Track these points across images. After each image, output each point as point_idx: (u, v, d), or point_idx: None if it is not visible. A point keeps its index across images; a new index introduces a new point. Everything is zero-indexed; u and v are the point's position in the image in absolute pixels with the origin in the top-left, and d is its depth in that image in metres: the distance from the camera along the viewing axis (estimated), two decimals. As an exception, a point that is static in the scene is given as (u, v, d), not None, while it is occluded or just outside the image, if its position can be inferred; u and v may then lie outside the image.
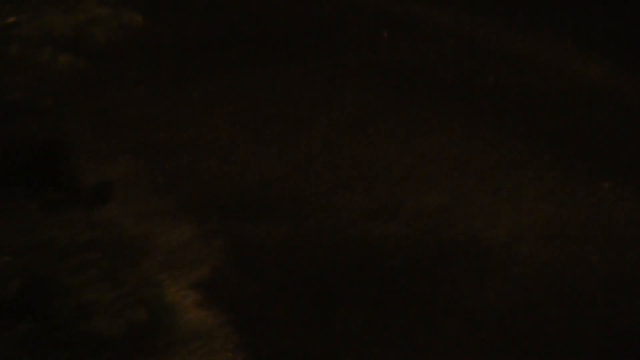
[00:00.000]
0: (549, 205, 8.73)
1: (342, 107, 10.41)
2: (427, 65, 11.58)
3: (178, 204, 8.28)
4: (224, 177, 8.86)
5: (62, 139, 7.67)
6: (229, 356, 6.64)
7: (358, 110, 10.37)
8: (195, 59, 10.78)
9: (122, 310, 6.86)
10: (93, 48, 6.82)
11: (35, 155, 7.32)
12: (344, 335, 7.01)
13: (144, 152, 9.10)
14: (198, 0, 12.41)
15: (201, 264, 7.70)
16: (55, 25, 6.69)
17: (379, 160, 9.49)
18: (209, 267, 7.72)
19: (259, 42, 11.52)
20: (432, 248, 8.07)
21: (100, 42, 6.94)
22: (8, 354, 6.26)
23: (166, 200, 8.31)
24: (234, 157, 9.29)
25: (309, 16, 12.76)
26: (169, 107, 9.92)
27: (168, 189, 8.55)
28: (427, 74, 11.34)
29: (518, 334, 7.10)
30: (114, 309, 6.81)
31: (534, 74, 11.57)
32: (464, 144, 9.71)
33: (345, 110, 10.37)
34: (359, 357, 6.78)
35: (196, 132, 9.60)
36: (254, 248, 8.12)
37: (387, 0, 13.43)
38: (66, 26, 6.68)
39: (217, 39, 11.43)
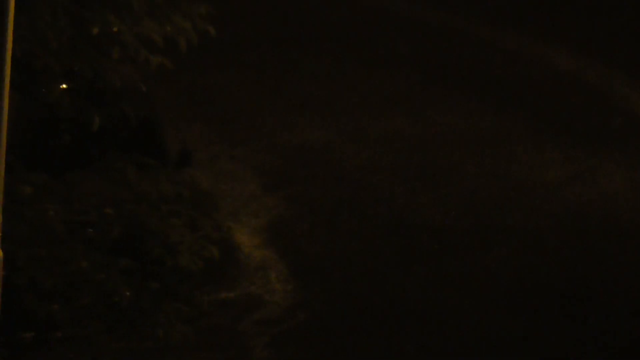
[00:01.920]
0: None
1: (371, 89, 10.63)
2: (443, 59, 11.64)
3: (244, 166, 8.69)
4: (278, 143, 9.21)
5: (152, 116, 7.93)
6: (281, 285, 7.09)
7: (386, 91, 10.57)
8: (254, 56, 10.96)
9: (199, 250, 7.29)
10: (177, 51, 7.20)
11: (133, 129, 7.68)
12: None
13: (215, 124, 9.40)
14: (256, 16, 12.35)
15: (262, 213, 8.13)
16: (150, 33, 7.00)
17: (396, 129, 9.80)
18: (268, 216, 8.14)
19: (301, 41, 11.59)
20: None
21: (183, 47, 7.32)
22: (113, 284, 6.76)
23: (234, 163, 8.70)
24: (285, 127, 9.55)
25: (344, 17, 12.69)
26: (234, 89, 10.15)
27: (235, 153, 8.90)
28: (444, 66, 11.38)
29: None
30: (193, 249, 7.18)
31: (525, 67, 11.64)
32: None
33: (373, 91, 10.57)
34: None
35: (255, 107, 9.83)
36: (303, 203, 8.62)
37: (407, 7, 13.22)
38: (158, 34, 6.98)
39: (269, 39, 11.56)
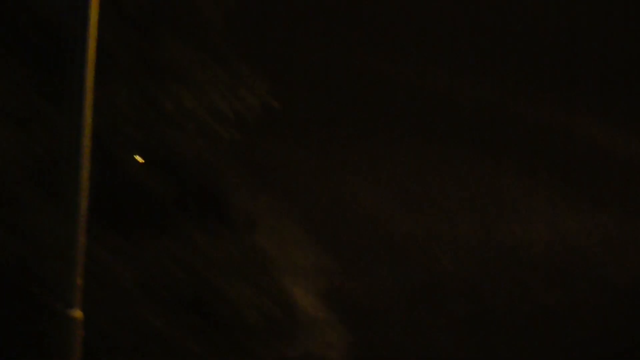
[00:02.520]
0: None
1: (426, 163, 10.82)
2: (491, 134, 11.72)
3: (305, 232, 8.92)
4: (338, 212, 9.54)
5: (221, 184, 8.32)
6: (338, 342, 7.40)
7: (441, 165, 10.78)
8: (315, 130, 11.16)
9: (263, 309, 7.61)
10: (244, 122, 7.63)
11: (203, 197, 8.10)
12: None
13: (279, 192, 9.60)
14: (315, 88, 12.25)
15: (321, 276, 8.37)
16: (219, 107, 7.46)
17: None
18: (327, 279, 8.39)
19: (358, 117, 11.77)
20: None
21: (249, 118, 7.78)
22: (184, 341, 7.03)
23: (296, 229, 8.92)
24: (345, 197, 9.86)
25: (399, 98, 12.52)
26: (298, 161, 10.41)
27: (297, 220, 9.09)
28: (491, 140, 11.50)
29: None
30: (257, 308, 7.49)
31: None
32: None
33: (428, 166, 10.79)
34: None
35: (320, 178, 10.09)
36: (360, 268, 8.79)
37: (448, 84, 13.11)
38: (227, 108, 7.41)
39: (329, 115, 11.71)
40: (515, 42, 13.52)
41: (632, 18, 13.50)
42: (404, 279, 8.60)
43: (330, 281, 8.19)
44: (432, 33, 13.58)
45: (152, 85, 7.20)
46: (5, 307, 6.92)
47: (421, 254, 8.93)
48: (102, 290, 6.81)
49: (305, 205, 9.21)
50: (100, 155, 6.60)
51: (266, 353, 7.25)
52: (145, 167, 7.29)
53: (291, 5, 12.00)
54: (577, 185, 10.61)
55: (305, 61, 12.04)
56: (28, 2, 7.21)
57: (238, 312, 7.24)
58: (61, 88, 6.32)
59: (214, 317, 7.36)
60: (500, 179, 10.54)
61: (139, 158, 7.29)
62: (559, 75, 13.15)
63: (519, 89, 12.79)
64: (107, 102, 6.78)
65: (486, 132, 11.88)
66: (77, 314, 5.77)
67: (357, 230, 9.35)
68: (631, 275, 9.10)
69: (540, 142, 11.75)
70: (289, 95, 8.35)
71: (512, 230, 9.52)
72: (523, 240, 9.57)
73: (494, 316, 8.25)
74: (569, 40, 13.51)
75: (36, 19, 7.19)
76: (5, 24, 7.28)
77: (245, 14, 8.87)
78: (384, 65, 12.79)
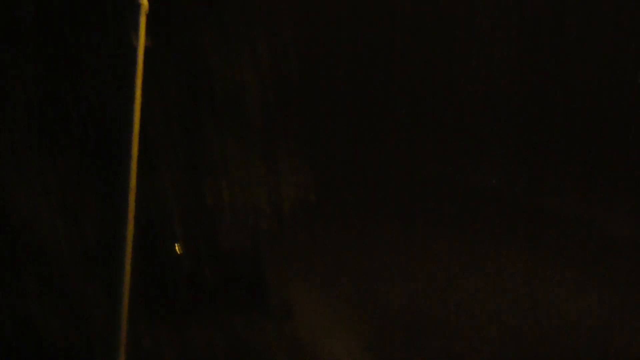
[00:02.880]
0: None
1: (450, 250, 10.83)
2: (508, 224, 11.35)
3: (341, 321, 8.87)
4: (374, 303, 9.40)
5: (259, 273, 8.31)
6: None
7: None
8: (349, 221, 10.98)
9: None
10: (282, 215, 7.76)
11: (242, 285, 8.15)
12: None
13: (316, 281, 9.58)
14: (348, 184, 11.98)
15: None
16: (258, 200, 7.58)
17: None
18: None
19: (390, 208, 11.47)
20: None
21: (286, 211, 7.91)
22: None
23: (332, 318, 8.83)
24: (378, 282, 9.76)
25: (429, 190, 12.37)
26: (333, 250, 10.31)
27: (333, 309, 9.06)
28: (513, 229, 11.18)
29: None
30: None
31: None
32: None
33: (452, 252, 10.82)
34: None
35: (352, 268, 10.02)
36: None
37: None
38: (266, 202, 7.54)
39: (360, 206, 11.41)
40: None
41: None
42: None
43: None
44: (455, 128, 13.02)
45: (195, 180, 7.36)
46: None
47: (447, 340, 8.87)
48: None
49: (338, 293, 9.16)
50: (144, 246, 6.82)
51: None
52: (187, 256, 7.39)
53: (324, 106, 11.76)
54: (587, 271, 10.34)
55: (339, 159, 11.86)
56: (78, 101, 7.16)
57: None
58: (109, 183, 6.57)
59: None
60: (516, 265, 10.39)
61: (178, 248, 7.39)
62: (575, 169, 12.62)
63: (536, 181, 12.50)
64: (152, 196, 6.95)
65: (503, 220, 11.48)
66: (122, 399, 5.94)
67: (387, 318, 9.30)
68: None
69: (553, 230, 11.51)
70: (323, 190, 8.49)
71: (528, 314, 9.38)
72: (536, 323, 9.43)
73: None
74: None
75: (87, 119, 7.16)
76: (59, 126, 7.22)
77: (284, 113, 8.79)
78: (409, 159, 12.31)
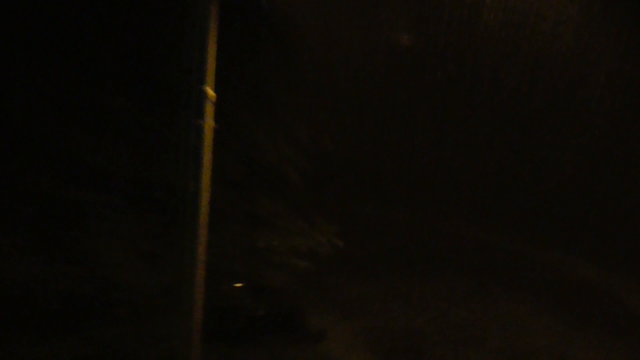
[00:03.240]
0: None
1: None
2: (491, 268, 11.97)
3: (365, 343, 9.06)
4: (395, 330, 9.54)
5: (298, 305, 8.77)
6: None
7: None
8: (370, 263, 11.42)
9: None
10: (316, 257, 8.18)
11: (285, 314, 8.42)
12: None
13: (344, 311, 9.79)
14: (370, 234, 12.42)
15: None
16: (298, 246, 8.12)
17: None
18: None
19: (406, 256, 11.88)
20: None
21: (322, 254, 8.25)
22: None
23: (358, 340, 9.13)
24: (397, 313, 10.00)
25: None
26: (359, 287, 10.72)
27: (359, 333, 9.34)
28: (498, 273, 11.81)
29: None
30: None
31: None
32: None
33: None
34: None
35: (375, 302, 10.27)
36: None
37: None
38: (303, 246, 8.08)
39: (381, 254, 11.74)
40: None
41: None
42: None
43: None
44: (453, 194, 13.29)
45: (249, 231, 7.81)
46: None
47: (438, 358, 9.03)
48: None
49: (364, 321, 9.66)
50: (210, 283, 7.09)
51: None
52: (243, 291, 7.61)
53: (350, 175, 12.11)
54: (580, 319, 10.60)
55: (361, 215, 12.07)
56: (161, 171, 7.37)
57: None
58: (181, 233, 6.95)
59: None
60: (513, 310, 10.79)
61: (238, 285, 7.71)
62: (562, 225, 12.95)
63: (530, 237, 12.93)
64: (216, 244, 7.20)
65: (488, 265, 12.07)
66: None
67: (396, 339, 9.57)
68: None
69: (546, 281, 11.91)
70: (350, 237, 9.06)
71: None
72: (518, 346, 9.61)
73: None
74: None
75: (167, 186, 7.40)
76: (147, 192, 7.47)
77: (318, 179, 8.68)
78: (416, 217, 12.68)
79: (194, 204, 6.74)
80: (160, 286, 7.37)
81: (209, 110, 6.63)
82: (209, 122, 6.57)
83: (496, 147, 12.06)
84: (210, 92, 6.59)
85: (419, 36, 9.70)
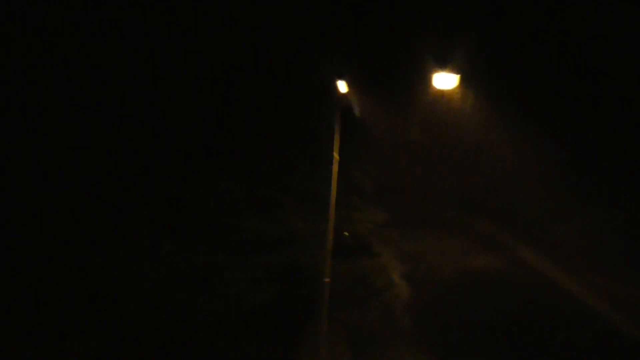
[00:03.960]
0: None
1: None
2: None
3: (400, 260, 13.71)
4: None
5: (368, 241, 13.94)
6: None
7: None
8: (401, 228, 15.27)
9: None
10: (377, 223, 12.93)
11: (360, 244, 13.17)
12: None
13: (389, 245, 14.16)
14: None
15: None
16: (368, 218, 13.07)
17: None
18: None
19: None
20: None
21: (379, 221, 13.28)
22: None
23: (395, 258, 13.97)
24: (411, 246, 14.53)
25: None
26: (396, 236, 14.81)
27: (396, 255, 14.00)
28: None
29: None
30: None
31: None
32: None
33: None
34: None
35: (404, 242, 14.31)
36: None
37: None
38: (371, 218, 12.97)
39: (406, 223, 15.74)
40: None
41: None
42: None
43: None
44: None
45: (349, 212, 13.00)
46: None
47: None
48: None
49: (396, 249, 14.03)
50: (335, 233, 12.03)
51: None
52: (347, 236, 12.77)
53: (397, 190, 16.13)
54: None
55: (401, 207, 15.74)
56: (312, 185, 12.48)
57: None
58: (323, 213, 11.41)
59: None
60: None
61: (345, 233, 12.85)
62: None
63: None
64: (337, 217, 12.38)
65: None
66: None
67: (415, 257, 13.47)
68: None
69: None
70: (393, 216, 13.81)
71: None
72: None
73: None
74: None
75: (315, 192, 12.62)
76: (306, 193, 12.65)
77: (380, 191, 14.59)
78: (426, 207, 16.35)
79: (328, 201, 12.25)
80: (314, 234, 12.76)
81: (335, 162, 12.59)
82: (335, 167, 12.64)
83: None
84: (335, 155, 12.45)
85: (423, 133, 16.00)
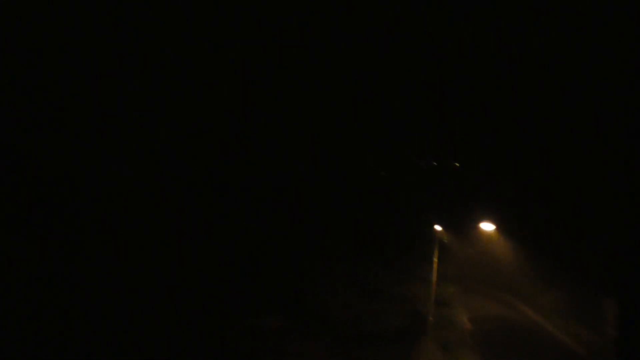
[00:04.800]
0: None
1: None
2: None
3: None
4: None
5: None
6: None
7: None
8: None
9: None
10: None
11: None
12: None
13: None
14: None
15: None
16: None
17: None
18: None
19: None
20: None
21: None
22: None
23: None
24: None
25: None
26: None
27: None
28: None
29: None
30: None
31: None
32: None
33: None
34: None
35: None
36: None
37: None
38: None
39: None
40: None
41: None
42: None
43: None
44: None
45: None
46: None
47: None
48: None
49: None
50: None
51: None
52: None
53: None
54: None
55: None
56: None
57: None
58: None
59: None
60: None
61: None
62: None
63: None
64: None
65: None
66: None
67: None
68: None
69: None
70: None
71: None
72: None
73: None
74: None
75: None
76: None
77: (456, 275, 28.43)
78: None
79: (431, 281, 27.86)
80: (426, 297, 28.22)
81: (434, 263, 27.42)
82: (435, 265, 27.84)
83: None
84: (435, 260, 27.80)
85: (476, 250, 33.08)
